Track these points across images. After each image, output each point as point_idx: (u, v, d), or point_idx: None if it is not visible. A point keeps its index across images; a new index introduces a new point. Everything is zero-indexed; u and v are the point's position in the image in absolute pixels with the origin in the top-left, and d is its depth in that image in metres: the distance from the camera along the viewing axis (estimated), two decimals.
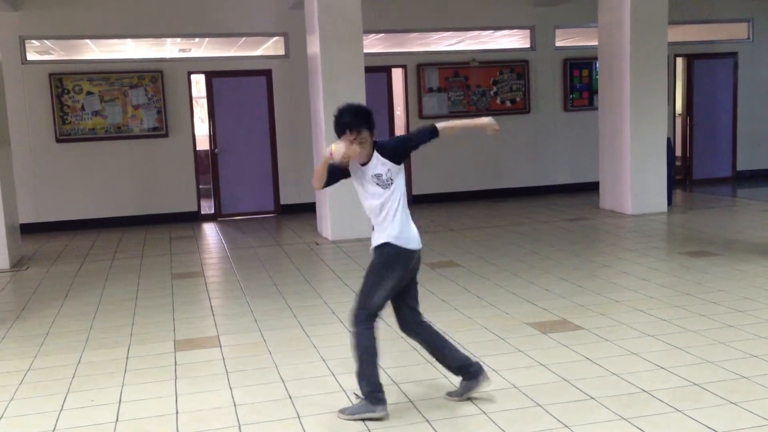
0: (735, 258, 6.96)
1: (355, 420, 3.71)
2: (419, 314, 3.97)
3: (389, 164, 3.81)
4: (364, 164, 3.82)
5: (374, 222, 3.88)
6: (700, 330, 4.91)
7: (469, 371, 3.90)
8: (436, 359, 4.00)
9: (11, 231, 8.23)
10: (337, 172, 3.86)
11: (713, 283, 6.08)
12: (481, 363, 3.98)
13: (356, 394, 3.87)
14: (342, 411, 3.81)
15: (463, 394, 3.92)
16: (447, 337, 4.04)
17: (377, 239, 3.84)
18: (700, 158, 12.84)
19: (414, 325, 3.94)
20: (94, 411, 4.03)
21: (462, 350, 4.04)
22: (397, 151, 3.86)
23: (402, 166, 3.87)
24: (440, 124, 4.02)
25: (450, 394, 3.97)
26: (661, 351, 4.55)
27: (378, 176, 3.80)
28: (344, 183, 4.02)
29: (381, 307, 3.80)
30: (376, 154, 3.82)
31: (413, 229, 3.90)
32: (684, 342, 4.69)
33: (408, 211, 3.89)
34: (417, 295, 3.97)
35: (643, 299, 5.73)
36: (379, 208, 3.80)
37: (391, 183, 3.80)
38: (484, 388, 3.91)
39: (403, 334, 4.03)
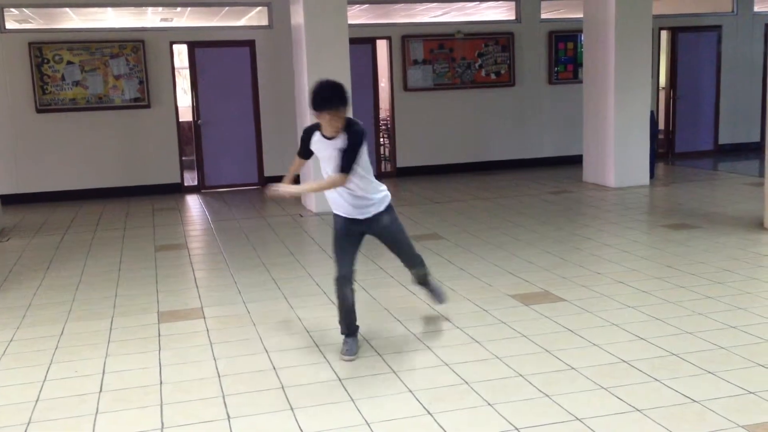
0: (715, 231, 7.04)
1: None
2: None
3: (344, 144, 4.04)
4: (331, 138, 4.06)
5: (357, 190, 4.14)
6: (679, 301, 4.98)
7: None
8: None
9: None
10: (306, 150, 4.26)
11: (693, 256, 6.15)
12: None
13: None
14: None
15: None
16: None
17: (384, 201, 4.25)
18: (682, 131, 12.90)
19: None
20: (78, 382, 4.04)
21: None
22: (352, 147, 4.02)
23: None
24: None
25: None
26: (641, 322, 4.62)
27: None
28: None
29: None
30: (343, 133, 4.05)
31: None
32: (664, 313, 4.76)
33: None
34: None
35: (624, 271, 5.79)
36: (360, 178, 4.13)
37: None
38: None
39: None
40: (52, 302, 5.58)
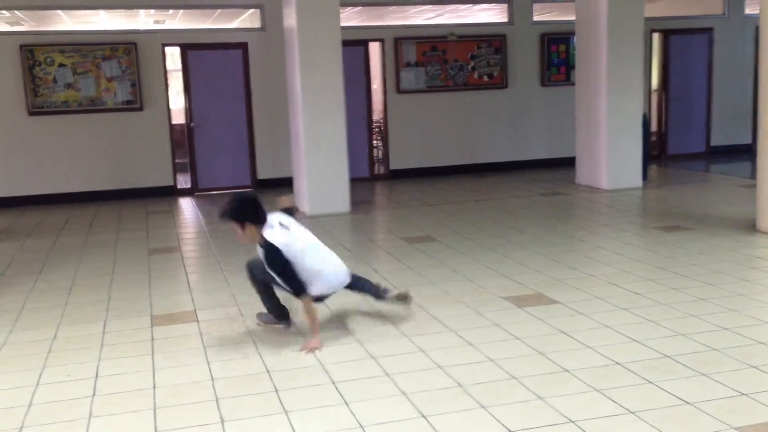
0: (707, 232, 7.06)
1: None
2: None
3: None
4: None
5: None
6: (672, 303, 5.00)
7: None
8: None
9: None
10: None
11: (686, 258, 6.17)
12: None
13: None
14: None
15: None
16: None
17: None
18: (675, 134, 12.95)
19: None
20: (71, 386, 4.03)
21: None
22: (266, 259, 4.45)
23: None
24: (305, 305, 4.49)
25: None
26: (634, 324, 4.63)
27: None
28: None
29: None
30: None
31: None
32: (656, 315, 4.77)
33: None
34: None
35: (617, 273, 5.81)
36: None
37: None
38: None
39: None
40: (45, 306, 5.56)
